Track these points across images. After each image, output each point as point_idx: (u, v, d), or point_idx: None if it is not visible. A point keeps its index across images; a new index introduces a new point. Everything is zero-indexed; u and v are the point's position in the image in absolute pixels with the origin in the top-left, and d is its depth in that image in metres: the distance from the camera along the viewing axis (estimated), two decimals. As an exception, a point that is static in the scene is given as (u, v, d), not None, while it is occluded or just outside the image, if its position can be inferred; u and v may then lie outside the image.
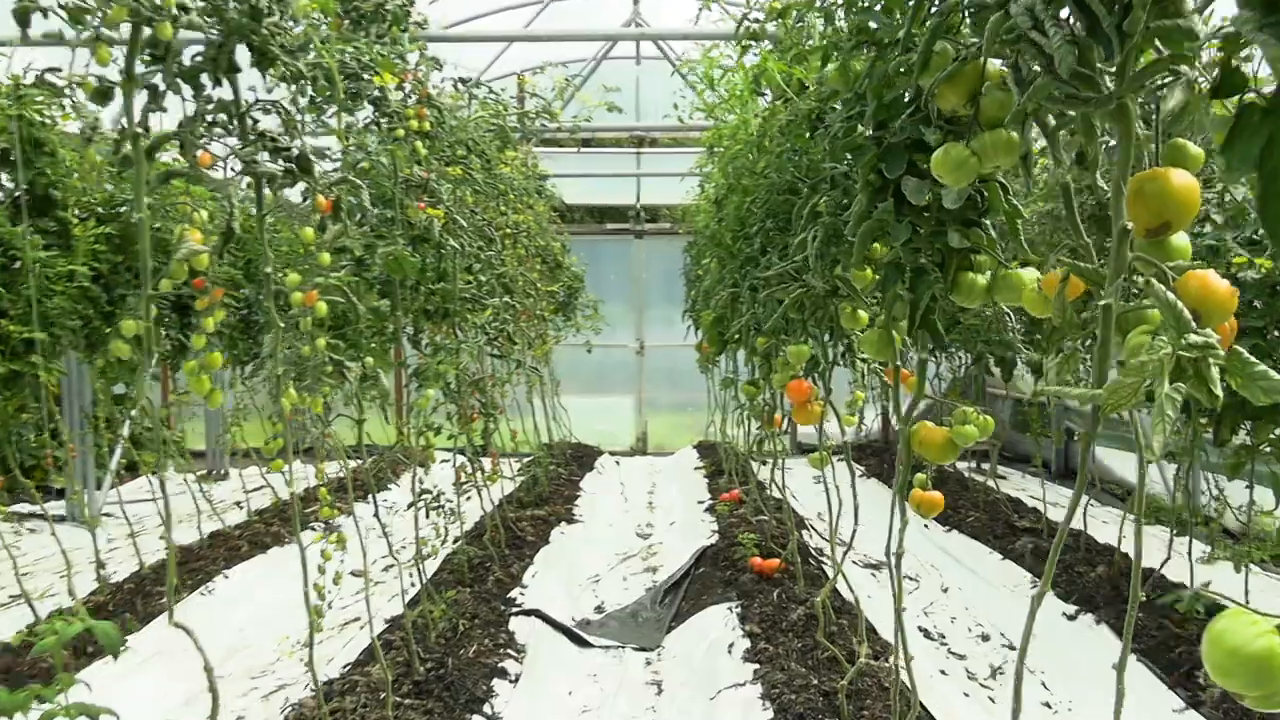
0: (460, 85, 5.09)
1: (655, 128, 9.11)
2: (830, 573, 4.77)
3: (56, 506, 6.77)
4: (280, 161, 2.07)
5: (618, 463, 9.31)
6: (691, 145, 9.96)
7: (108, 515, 6.70)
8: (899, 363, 2.50)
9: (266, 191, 2.30)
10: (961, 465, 8.54)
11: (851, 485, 3.38)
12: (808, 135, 2.97)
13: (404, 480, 7.27)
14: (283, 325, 2.42)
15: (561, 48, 8.42)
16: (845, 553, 3.47)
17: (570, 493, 6.92)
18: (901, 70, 1.95)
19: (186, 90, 2.02)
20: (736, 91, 4.90)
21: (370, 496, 6.09)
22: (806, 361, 3.31)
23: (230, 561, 4.92)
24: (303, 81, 2.70)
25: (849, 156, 2.35)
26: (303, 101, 3.16)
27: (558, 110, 5.59)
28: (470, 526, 5.73)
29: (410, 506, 3.89)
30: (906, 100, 1.99)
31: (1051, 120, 1.59)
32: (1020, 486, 7.76)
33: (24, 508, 6.57)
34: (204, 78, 2.09)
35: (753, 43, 3.43)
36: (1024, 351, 5.90)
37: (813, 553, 5.15)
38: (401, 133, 3.20)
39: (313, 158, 2.18)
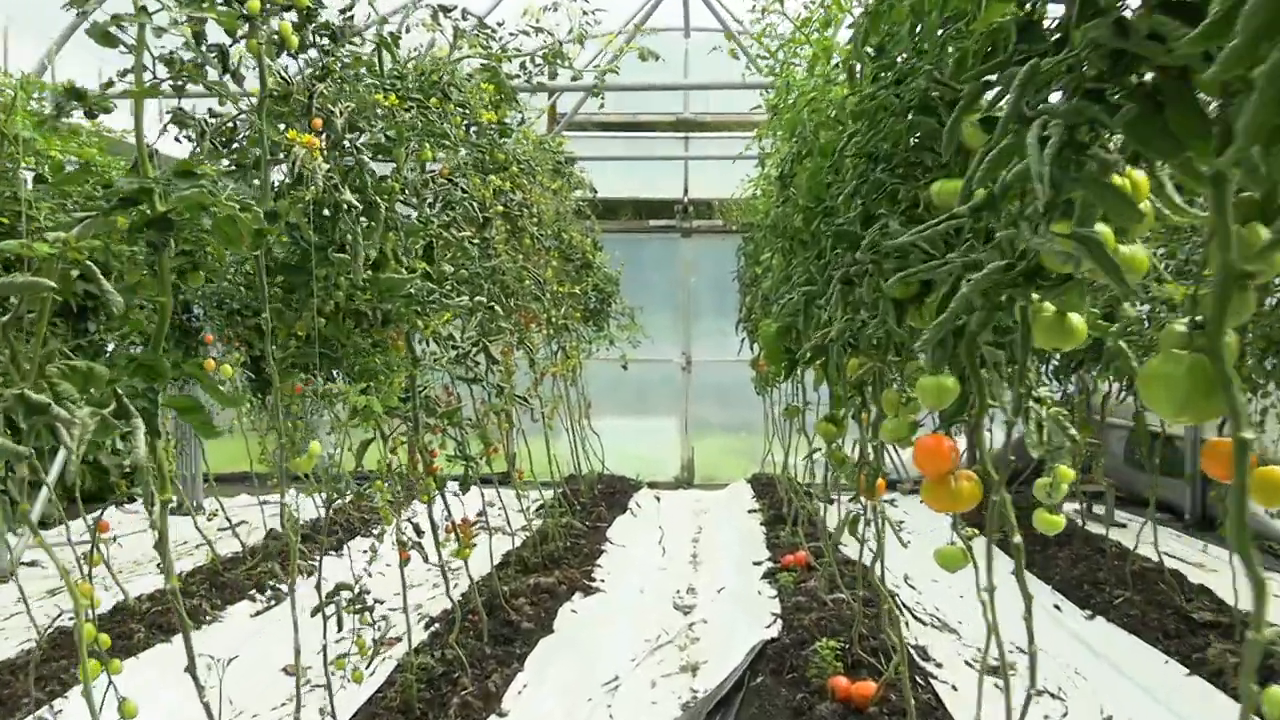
0: (442, 14, 3.80)
1: (708, 85, 7.79)
2: (947, 698, 3.33)
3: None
4: None
5: (657, 499, 7.91)
6: (746, 130, 8.60)
7: (30, 565, 5.50)
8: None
9: None
10: (1069, 508, 6.97)
11: (1026, 617, 1.96)
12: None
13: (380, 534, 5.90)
14: None
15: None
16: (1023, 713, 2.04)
17: (592, 545, 5.54)
18: None
19: None
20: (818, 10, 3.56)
21: (281, 585, 4.77)
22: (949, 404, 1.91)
23: (116, 656, 3.62)
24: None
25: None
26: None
27: (574, 53, 4.25)
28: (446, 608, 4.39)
29: (317, 611, 2.55)
30: None
31: None
32: (1149, 539, 6.22)
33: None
34: None
35: None
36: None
37: (916, 658, 3.70)
38: (256, 5, 1.87)
39: None
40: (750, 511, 6.88)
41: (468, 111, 3.74)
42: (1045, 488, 1.65)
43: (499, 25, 4.06)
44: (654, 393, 9.58)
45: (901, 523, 6.57)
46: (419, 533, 2.79)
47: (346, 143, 2.30)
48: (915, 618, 4.43)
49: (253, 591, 4.58)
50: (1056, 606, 4.58)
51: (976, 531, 2.32)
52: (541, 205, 4.92)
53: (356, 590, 2.58)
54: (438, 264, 3.09)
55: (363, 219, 2.61)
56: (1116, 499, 7.09)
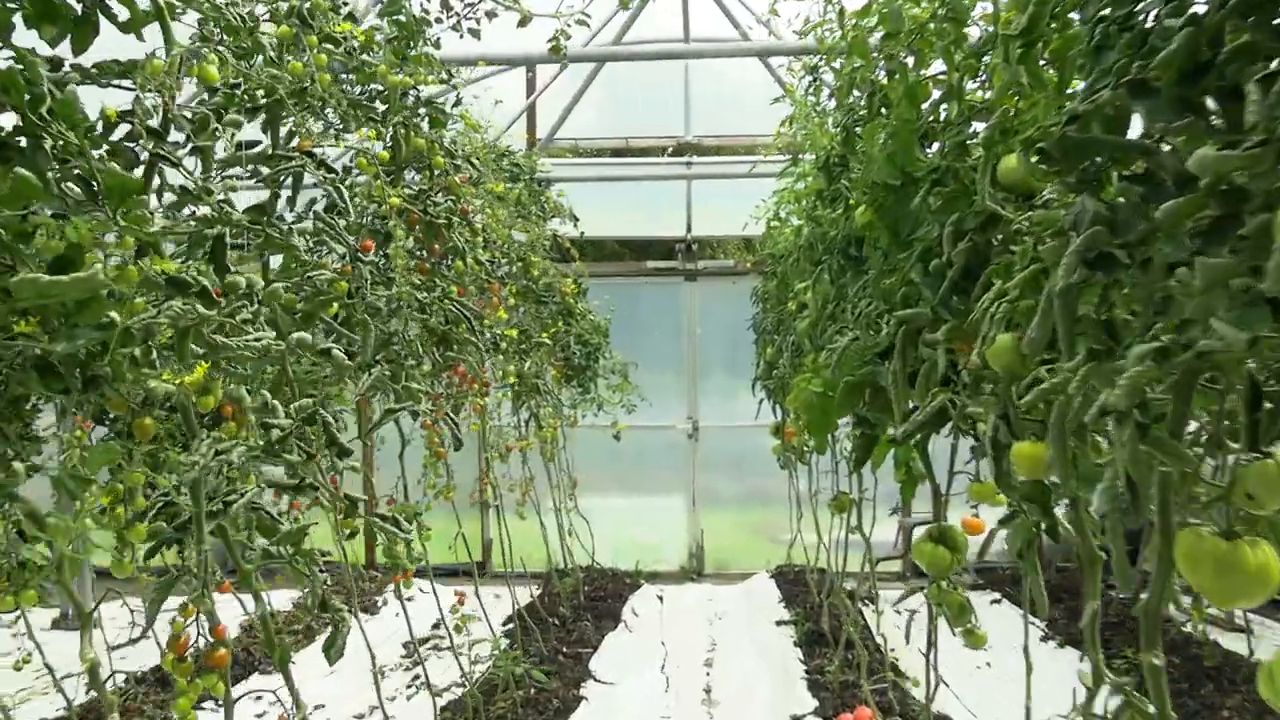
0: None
1: (707, 50, 6.44)
2: None
3: None
4: None
5: (660, 598, 6.37)
6: (758, 155, 7.20)
7: None
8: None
9: None
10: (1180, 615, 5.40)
11: None
12: None
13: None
14: None
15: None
16: None
17: (567, 690, 3.99)
18: None
19: None
20: None
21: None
22: None
23: None
24: None
25: None
26: None
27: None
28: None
29: None
30: None
31: None
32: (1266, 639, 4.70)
33: None
34: None
35: None
36: None
37: None
38: None
39: None
40: (779, 623, 5.34)
41: (339, 49, 2.36)
42: None
43: None
44: (655, 465, 8.11)
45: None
46: None
47: None
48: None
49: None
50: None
51: None
52: (490, 220, 3.53)
53: None
54: (232, 272, 1.66)
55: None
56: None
